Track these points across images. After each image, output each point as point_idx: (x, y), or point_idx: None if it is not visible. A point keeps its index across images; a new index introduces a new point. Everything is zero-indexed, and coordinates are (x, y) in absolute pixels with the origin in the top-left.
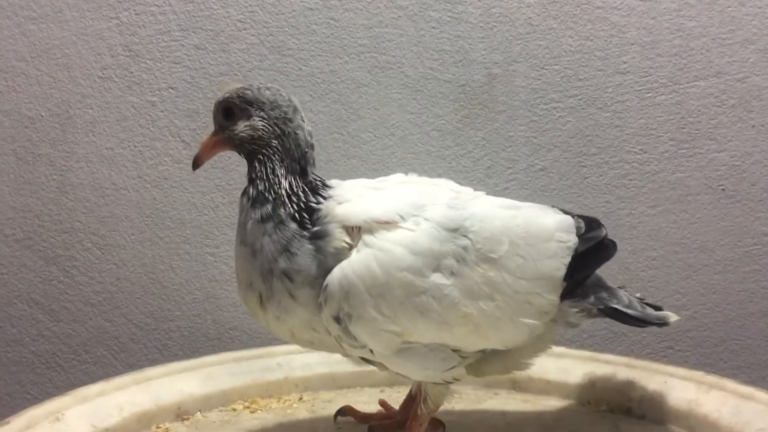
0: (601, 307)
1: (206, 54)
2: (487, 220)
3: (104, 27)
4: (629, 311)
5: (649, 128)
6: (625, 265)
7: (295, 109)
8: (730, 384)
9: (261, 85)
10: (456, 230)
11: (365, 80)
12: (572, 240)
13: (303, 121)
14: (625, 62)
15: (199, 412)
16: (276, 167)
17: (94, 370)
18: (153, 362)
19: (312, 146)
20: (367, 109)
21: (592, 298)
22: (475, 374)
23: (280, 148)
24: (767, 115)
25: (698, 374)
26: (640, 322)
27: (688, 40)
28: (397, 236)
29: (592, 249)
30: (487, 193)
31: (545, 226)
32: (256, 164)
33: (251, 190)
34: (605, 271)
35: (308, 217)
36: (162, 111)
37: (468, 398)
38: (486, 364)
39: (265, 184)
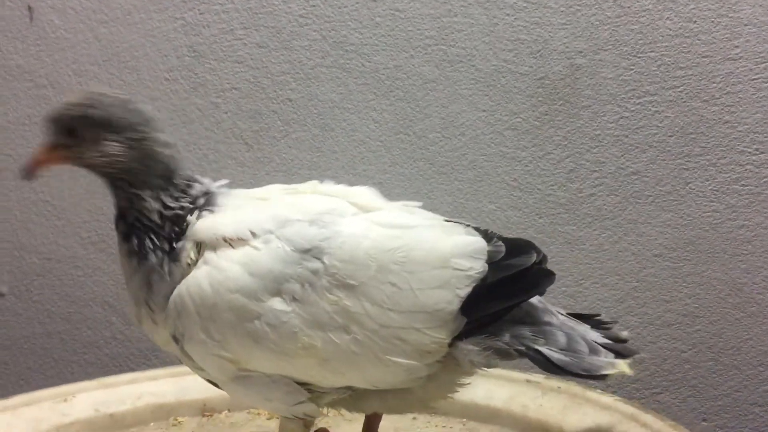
0: (520, 347)
1: (268, 52)
2: (351, 241)
3: (170, 28)
4: (554, 356)
5: None
6: (738, 286)
7: (148, 121)
8: None
9: (108, 99)
10: (308, 251)
11: (433, 75)
12: (476, 267)
13: (158, 131)
14: (737, 46)
15: (226, 411)
16: (141, 193)
17: None
18: None
19: (173, 150)
20: (435, 107)
21: (506, 337)
22: (356, 410)
23: (141, 170)
24: None
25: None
26: (562, 371)
27: None
28: (238, 255)
29: (510, 278)
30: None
31: (436, 251)
32: (120, 193)
33: (120, 225)
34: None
35: (177, 228)
36: (226, 113)
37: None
38: (364, 401)
39: (134, 214)
